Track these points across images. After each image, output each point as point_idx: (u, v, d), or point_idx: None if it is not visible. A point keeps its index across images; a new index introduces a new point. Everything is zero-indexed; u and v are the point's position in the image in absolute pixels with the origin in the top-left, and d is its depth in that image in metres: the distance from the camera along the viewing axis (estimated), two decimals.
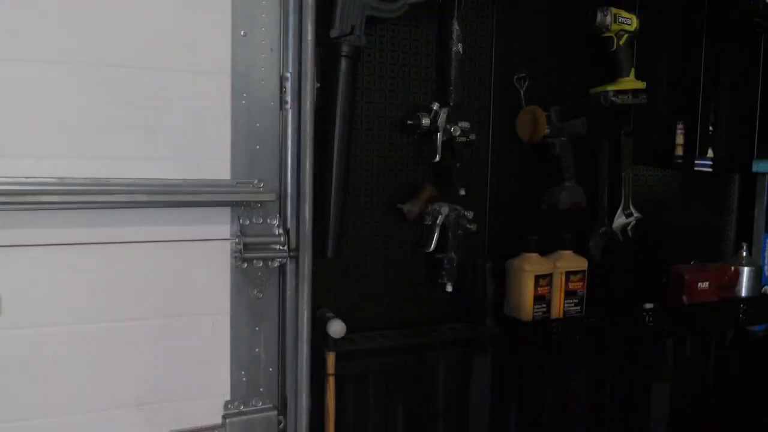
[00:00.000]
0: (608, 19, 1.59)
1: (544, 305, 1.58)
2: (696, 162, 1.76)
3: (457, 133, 1.44)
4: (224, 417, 1.23)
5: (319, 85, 1.24)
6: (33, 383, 1.10)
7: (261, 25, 1.19)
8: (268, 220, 1.23)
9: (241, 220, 1.20)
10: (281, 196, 1.23)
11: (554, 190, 1.62)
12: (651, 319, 1.69)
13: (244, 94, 1.19)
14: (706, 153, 1.79)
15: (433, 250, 1.47)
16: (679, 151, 1.78)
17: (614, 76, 1.63)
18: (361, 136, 1.44)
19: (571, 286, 1.62)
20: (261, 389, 1.26)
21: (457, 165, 1.49)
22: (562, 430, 1.73)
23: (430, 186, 1.48)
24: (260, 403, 1.26)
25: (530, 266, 1.56)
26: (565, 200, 1.62)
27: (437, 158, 1.44)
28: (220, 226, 1.20)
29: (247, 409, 1.25)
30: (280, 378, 1.27)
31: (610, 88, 1.62)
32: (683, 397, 1.90)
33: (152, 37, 1.12)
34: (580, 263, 1.64)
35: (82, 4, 1.07)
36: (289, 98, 1.21)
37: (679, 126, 1.78)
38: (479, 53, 1.56)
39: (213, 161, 1.18)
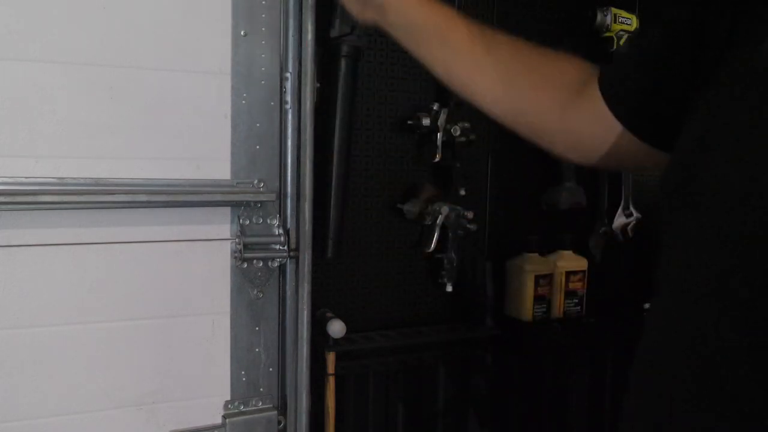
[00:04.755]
0: (608, 19, 1.59)
1: (544, 305, 1.58)
2: None
3: (457, 133, 1.45)
4: (224, 417, 1.23)
5: (319, 85, 1.24)
6: (33, 383, 1.10)
7: (261, 25, 1.19)
8: (268, 220, 1.23)
9: (241, 220, 1.20)
10: (281, 196, 1.23)
11: (554, 190, 1.62)
12: None
13: (244, 94, 1.19)
14: None
15: (433, 250, 1.48)
16: None
17: None
18: (361, 136, 1.44)
19: (571, 286, 1.62)
20: (261, 389, 1.26)
21: (457, 165, 1.49)
22: (562, 430, 1.73)
23: (430, 186, 1.48)
24: (260, 403, 1.26)
25: (530, 266, 1.56)
26: (565, 200, 1.62)
27: (437, 158, 1.44)
28: (220, 226, 1.20)
29: (247, 409, 1.25)
30: (280, 378, 1.27)
31: None
32: None
33: (152, 37, 1.12)
34: (580, 263, 1.64)
35: (82, 4, 1.07)
36: (289, 98, 1.21)
37: None
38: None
39: (213, 161, 1.18)
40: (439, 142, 1.44)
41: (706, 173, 0.53)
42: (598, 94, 0.74)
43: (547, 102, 0.81)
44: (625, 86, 0.73)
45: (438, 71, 0.91)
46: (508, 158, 1.62)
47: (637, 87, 0.71)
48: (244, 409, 1.25)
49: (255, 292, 1.23)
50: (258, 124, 1.21)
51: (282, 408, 1.27)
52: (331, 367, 1.35)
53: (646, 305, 1.71)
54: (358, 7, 0.97)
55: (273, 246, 1.22)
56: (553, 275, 1.60)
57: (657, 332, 0.59)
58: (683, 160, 0.58)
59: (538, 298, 1.57)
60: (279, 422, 1.27)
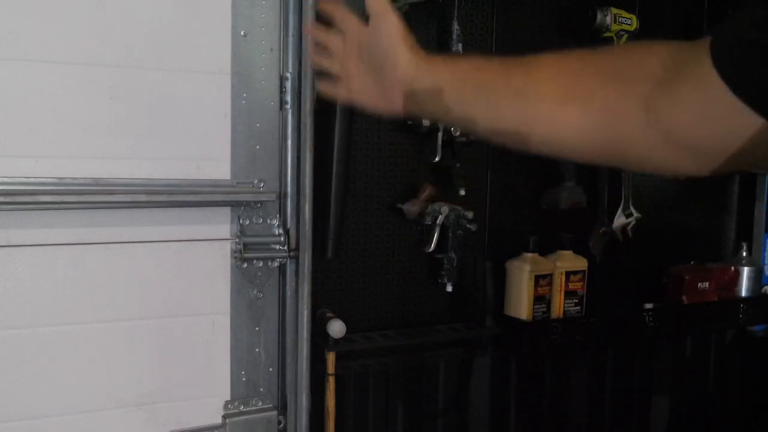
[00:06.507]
0: (608, 19, 1.59)
1: (544, 305, 1.58)
2: None
3: (457, 133, 1.44)
4: (224, 417, 1.23)
5: None
6: (33, 383, 1.10)
7: (261, 25, 1.19)
8: (268, 220, 1.23)
9: (241, 220, 1.20)
10: (281, 196, 1.23)
11: (554, 190, 1.62)
12: (651, 319, 1.69)
13: (244, 94, 1.19)
14: None
15: (433, 250, 1.47)
16: None
17: None
18: (361, 136, 1.44)
19: (571, 286, 1.62)
20: (261, 389, 1.26)
21: (457, 165, 1.48)
22: (562, 430, 1.73)
23: (430, 186, 1.48)
24: (260, 403, 1.26)
25: (530, 266, 1.56)
26: (565, 200, 1.62)
27: (437, 158, 1.44)
28: (220, 226, 1.20)
29: (247, 409, 1.25)
30: (280, 378, 1.27)
31: None
32: (683, 397, 1.90)
33: (152, 37, 1.12)
34: (580, 263, 1.64)
35: (81, 4, 1.07)
36: (289, 98, 1.21)
37: None
38: (479, 53, 1.57)
39: (213, 161, 1.18)
40: (439, 142, 1.43)
41: None
42: (705, 69, 0.53)
43: (627, 105, 0.63)
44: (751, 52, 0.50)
45: (485, 125, 0.78)
46: (507, 158, 1.61)
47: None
48: (244, 409, 1.25)
49: (255, 292, 1.24)
50: (258, 124, 1.21)
51: (282, 408, 1.27)
52: (331, 367, 1.35)
53: (647, 305, 1.72)
54: (383, 103, 0.90)
55: (273, 246, 1.22)
56: (553, 275, 1.60)
57: None
58: None
59: (538, 298, 1.57)
60: (279, 422, 1.27)
